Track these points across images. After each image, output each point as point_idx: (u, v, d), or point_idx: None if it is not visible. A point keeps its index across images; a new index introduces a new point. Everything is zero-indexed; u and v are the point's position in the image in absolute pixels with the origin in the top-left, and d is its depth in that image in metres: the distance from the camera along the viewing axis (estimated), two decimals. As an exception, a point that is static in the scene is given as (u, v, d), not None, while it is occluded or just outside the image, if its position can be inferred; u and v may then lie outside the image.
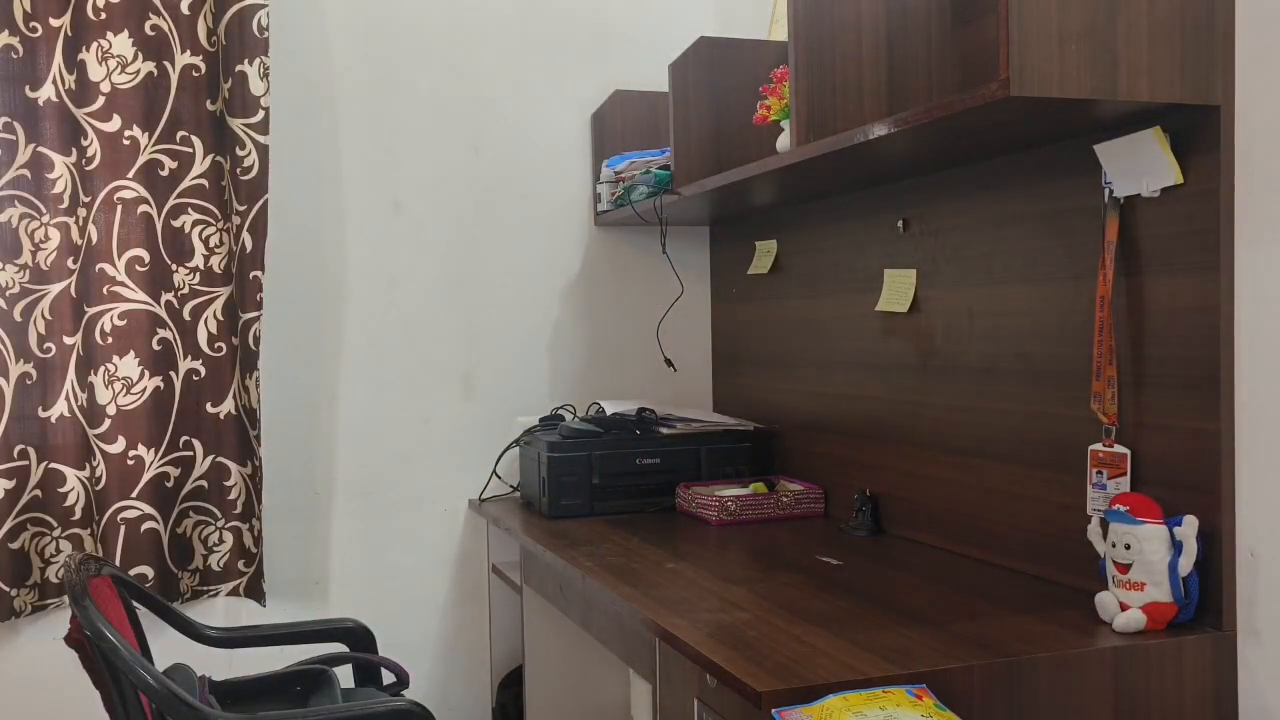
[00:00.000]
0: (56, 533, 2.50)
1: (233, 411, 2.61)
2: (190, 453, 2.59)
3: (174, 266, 2.56)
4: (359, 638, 2.20)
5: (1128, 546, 1.56)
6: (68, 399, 2.49)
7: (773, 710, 1.33)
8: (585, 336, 2.99)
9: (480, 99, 2.88)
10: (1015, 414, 1.93)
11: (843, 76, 2.00)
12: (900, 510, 2.26)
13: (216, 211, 2.58)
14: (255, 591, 2.64)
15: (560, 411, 2.85)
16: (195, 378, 2.59)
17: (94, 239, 2.50)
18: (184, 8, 2.51)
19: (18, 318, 2.46)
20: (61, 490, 2.50)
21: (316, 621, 2.26)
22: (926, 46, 1.95)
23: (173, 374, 2.57)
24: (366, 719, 1.75)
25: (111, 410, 2.50)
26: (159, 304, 2.54)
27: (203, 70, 2.55)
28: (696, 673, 1.60)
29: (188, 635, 2.08)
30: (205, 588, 2.63)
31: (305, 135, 2.75)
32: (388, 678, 2.15)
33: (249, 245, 2.55)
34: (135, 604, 2.00)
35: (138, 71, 2.50)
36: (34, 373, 2.47)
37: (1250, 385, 1.53)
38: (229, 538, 2.62)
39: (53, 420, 2.49)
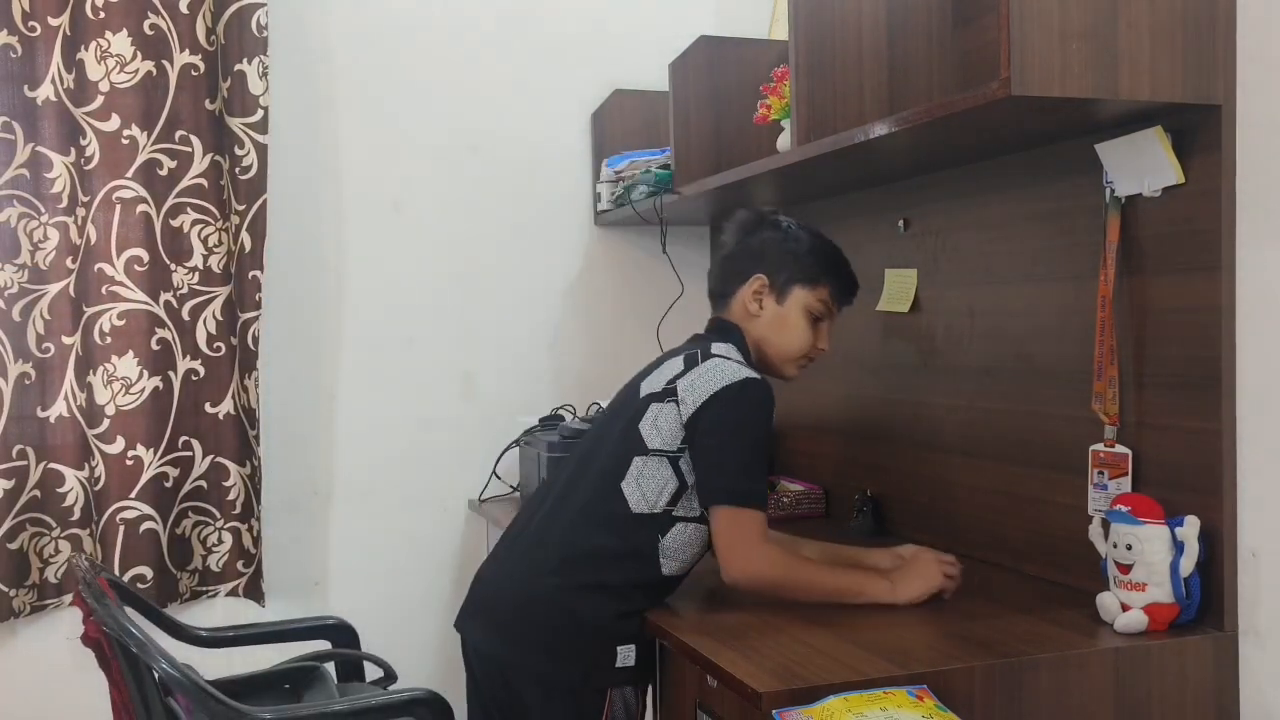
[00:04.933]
0: (55, 533, 2.50)
1: (231, 411, 2.60)
2: (189, 453, 2.59)
3: (173, 266, 2.56)
4: (343, 635, 2.20)
5: (1129, 547, 1.56)
6: (66, 399, 2.48)
7: (773, 711, 1.33)
8: (585, 336, 2.99)
9: (480, 99, 2.88)
10: (1016, 414, 1.93)
11: (843, 76, 2.00)
12: (900, 510, 2.26)
13: (215, 211, 2.58)
14: (254, 592, 2.63)
15: (560, 411, 2.85)
16: (194, 378, 2.58)
17: (93, 239, 2.49)
18: (183, 7, 2.51)
19: (16, 318, 2.45)
20: (60, 490, 2.49)
21: (300, 620, 2.27)
22: (927, 46, 1.94)
23: (171, 374, 2.56)
24: (384, 708, 1.76)
25: (110, 410, 2.50)
26: (158, 304, 2.54)
27: (201, 69, 2.54)
28: (696, 673, 1.60)
29: (175, 637, 2.07)
30: (204, 588, 2.63)
31: (305, 135, 2.75)
32: (374, 673, 2.15)
33: (248, 245, 2.54)
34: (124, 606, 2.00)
35: (136, 71, 2.49)
36: (33, 373, 2.47)
37: (1251, 385, 1.52)
38: (228, 538, 2.62)
39: (52, 420, 2.48)
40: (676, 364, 1.81)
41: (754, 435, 1.73)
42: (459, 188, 2.87)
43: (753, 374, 1.76)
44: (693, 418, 1.73)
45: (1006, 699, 1.46)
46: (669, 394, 1.76)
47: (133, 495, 2.51)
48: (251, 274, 2.55)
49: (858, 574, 1.78)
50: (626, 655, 1.73)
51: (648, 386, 1.81)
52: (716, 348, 1.82)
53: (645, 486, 1.74)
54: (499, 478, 2.85)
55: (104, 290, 2.50)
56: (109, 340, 2.50)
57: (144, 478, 2.52)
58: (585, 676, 1.73)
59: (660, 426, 1.75)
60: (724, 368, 1.75)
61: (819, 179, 2.24)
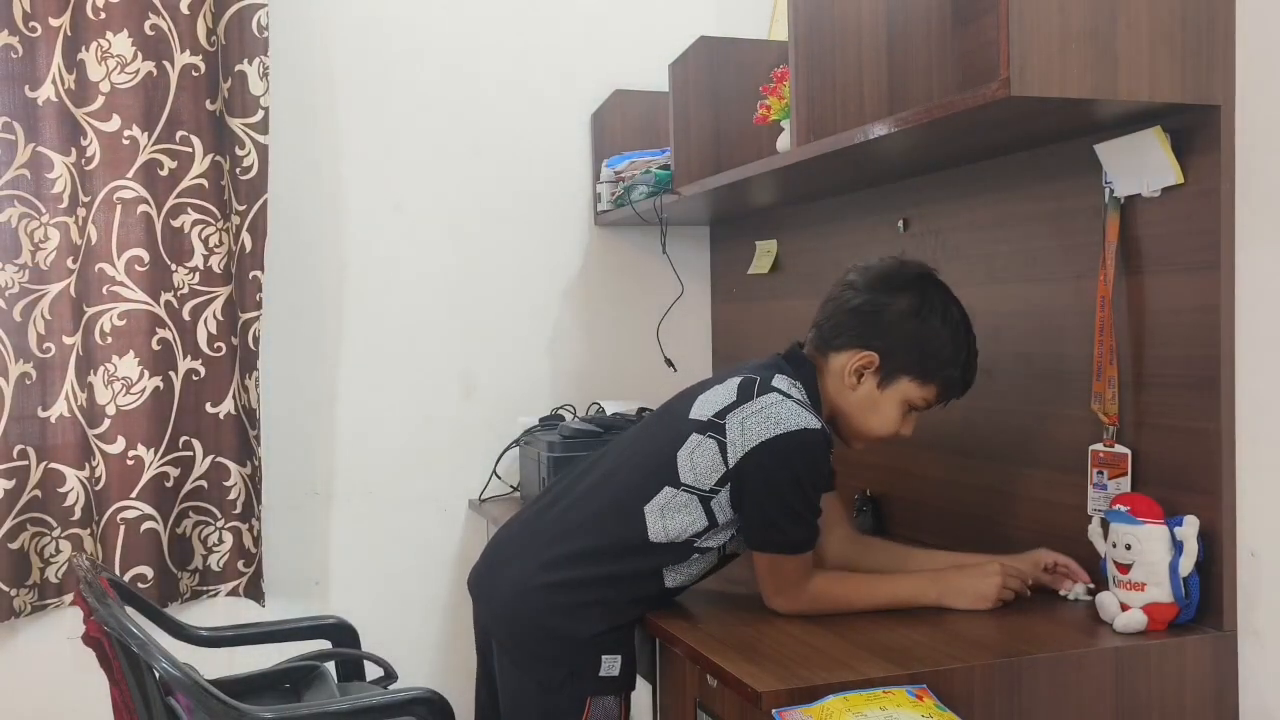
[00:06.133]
0: (56, 533, 2.50)
1: (232, 411, 2.60)
2: (190, 453, 2.59)
3: (173, 266, 2.56)
4: (343, 634, 2.20)
5: (1128, 547, 1.56)
6: (67, 399, 2.48)
7: (773, 710, 1.33)
8: (585, 336, 2.99)
9: (480, 99, 2.88)
10: (1015, 414, 1.93)
11: (843, 76, 2.00)
12: (901, 510, 2.26)
13: (216, 211, 2.58)
14: (255, 592, 2.64)
15: (560, 411, 2.85)
16: (195, 378, 2.58)
17: (93, 239, 2.49)
18: (183, 7, 2.51)
19: (17, 318, 2.45)
20: (61, 490, 2.50)
21: (300, 619, 2.27)
22: (926, 46, 1.94)
23: (172, 374, 2.56)
24: (384, 708, 1.76)
25: (111, 410, 2.50)
26: (159, 304, 2.54)
27: (202, 70, 2.55)
28: (696, 673, 1.60)
29: (175, 636, 2.07)
30: (205, 588, 2.63)
31: (305, 135, 2.75)
32: (374, 672, 2.16)
33: (249, 245, 2.54)
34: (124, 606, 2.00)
35: (137, 71, 2.50)
36: (33, 373, 2.47)
37: (1250, 385, 1.52)
38: (228, 538, 2.62)
39: (52, 420, 2.48)
40: (730, 390, 1.68)
41: (807, 486, 1.63)
42: (459, 188, 2.87)
43: (811, 421, 1.62)
44: (740, 462, 1.62)
45: (1006, 699, 1.46)
46: (714, 427, 1.65)
47: (133, 495, 2.52)
48: (252, 274, 2.55)
49: (903, 583, 1.72)
50: (611, 665, 1.70)
51: (698, 410, 1.69)
52: (778, 380, 1.67)
53: (669, 521, 1.66)
54: (499, 478, 2.85)
55: (105, 290, 2.50)
56: (110, 340, 2.51)
57: (145, 477, 2.53)
58: (565, 682, 1.70)
59: (697, 462, 1.65)
60: (781, 409, 1.62)
61: (819, 179, 2.24)
